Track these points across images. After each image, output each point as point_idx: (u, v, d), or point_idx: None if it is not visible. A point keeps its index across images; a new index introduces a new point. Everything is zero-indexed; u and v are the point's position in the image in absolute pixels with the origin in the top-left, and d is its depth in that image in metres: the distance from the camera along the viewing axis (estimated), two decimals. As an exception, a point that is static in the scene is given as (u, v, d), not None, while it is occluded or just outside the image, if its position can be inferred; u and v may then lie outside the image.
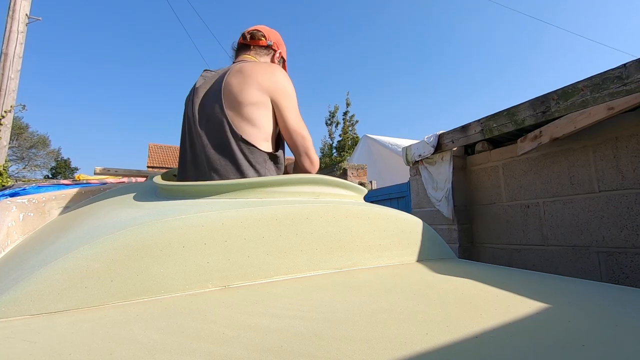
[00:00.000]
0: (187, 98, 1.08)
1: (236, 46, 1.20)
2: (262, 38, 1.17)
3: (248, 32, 1.18)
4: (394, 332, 0.38)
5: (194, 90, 1.05)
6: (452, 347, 0.35)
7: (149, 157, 19.86)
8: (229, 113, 0.96)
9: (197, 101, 1.02)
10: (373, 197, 4.11)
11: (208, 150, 0.95)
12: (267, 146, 0.98)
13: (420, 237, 0.78)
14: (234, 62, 1.13)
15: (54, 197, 1.00)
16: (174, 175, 1.10)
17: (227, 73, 1.00)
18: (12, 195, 0.96)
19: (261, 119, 0.98)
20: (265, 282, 0.55)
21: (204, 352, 0.33)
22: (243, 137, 0.94)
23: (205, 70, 1.11)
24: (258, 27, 1.20)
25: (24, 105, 4.10)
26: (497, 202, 2.38)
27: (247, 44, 1.17)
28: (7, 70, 3.89)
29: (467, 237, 2.53)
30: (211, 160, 0.94)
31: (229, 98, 0.97)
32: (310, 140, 1.04)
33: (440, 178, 2.60)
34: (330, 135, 14.31)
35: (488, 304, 0.48)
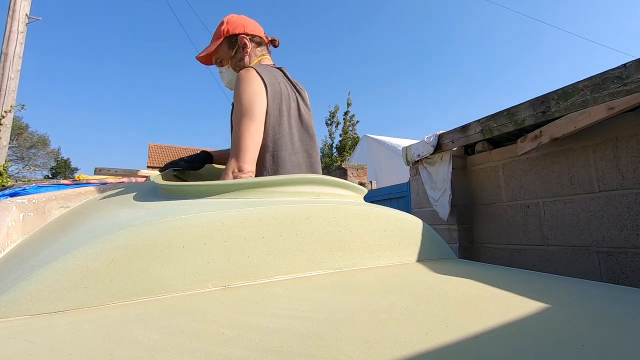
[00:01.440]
0: (287, 97, 1.02)
1: (268, 43, 1.20)
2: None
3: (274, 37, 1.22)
4: (394, 332, 0.38)
5: (302, 96, 1.10)
6: (452, 347, 0.35)
7: (149, 157, 19.83)
8: None
9: (309, 110, 1.11)
10: (373, 197, 4.12)
11: (318, 157, 1.09)
12: None
13: (420, 237, 0.78)
14: (261, 61, 1.16)
15: (54, 197, 1.00)
16: (174, 176, 1.10)
17: (305, 91, 1.15)
18: (12, 195, 0.96)
19: None
20: (265, 282, 0.55)
21: (204, 352, 0.33)
22: None
23: (277, 67, 1.12)
24: None
25: (23, 105, 4.10)
26: (497, 202, 2.38)
27: (269, 46, 1.21)
28: (7, 70, 3.89)
29: (467, 237, 2.53)
30: (320, 168, 1.08)
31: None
32: None
33: (438, 178, 2.60)
34: (330, 135, 14.32)
35: (488, 304, 0.48)
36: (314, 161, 1.06)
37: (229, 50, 1.14)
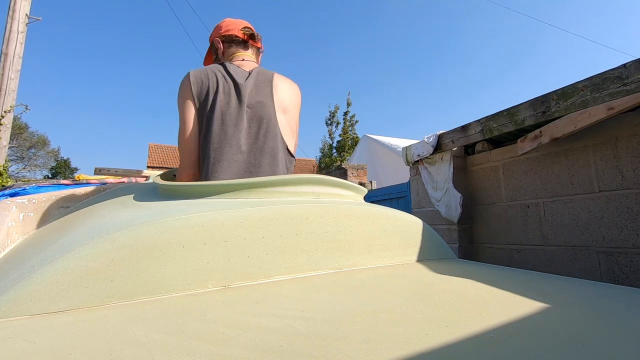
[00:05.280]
0: (213, 92, 0.98)
1: (246, 39, 1.16)
2: (259, 40, 1.20)
3: (250, 30, 1.17)
4: (394, 332, 0.38)
5: (237, 87, 1.00)
6: (452, 347, 0.35)
7: (149, 157, 19.82)
8: (280, 121, 1.02)
9: (245, 100, 0.99)
10: (373, 197, 4.11)
11: (257, 154, 0.97)
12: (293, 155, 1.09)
13: (420, 237, 0.78)
14: (232, 59, 1.13)
15: (54, 197, 1.00)
16: (174, 175, 1.10)
17: (273, 79, 1.07)
18: (12, 195, 0.96)
19: (294, 131, 1.09)
20: (265, 282, 0.55)
21: (204, 352, 0.33)
22: (287, 147, 1.03)
23: (219, 63, 1.07)
24: (248, 24, 1.20)
25: (27, 106, 4.10)
26: (497, 202, 2.38)
27: (248, 42, 1.17)
28: (7, 70, 3.89)
29: (467, 237, 2.53)
30: (261, 166, 0.97)
31: (280, 107, 1.04)
32: None
33: (439, 178, 2.60)
34: (330, 135, 14.33)
35: (488, 304, 0.48)
36: (233, 157, 0.95)
37: (213, 56, 1.21)
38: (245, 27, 1.17)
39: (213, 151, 0.93)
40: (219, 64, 1.07)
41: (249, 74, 1.05)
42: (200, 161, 0.97)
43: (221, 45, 1.15)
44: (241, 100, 0.99)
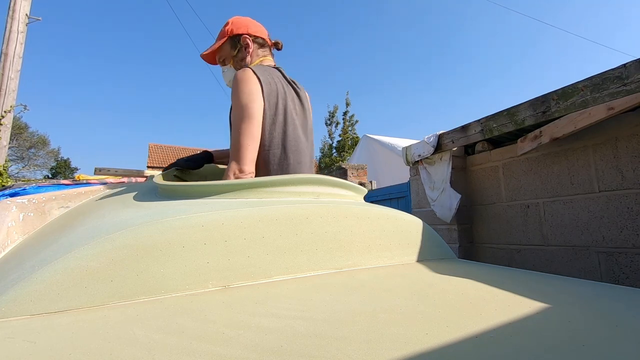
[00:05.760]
0: (283, 96, 1.00)
1: (271, 45, 1.20)
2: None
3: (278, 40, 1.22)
4: (394, 332, 0.38)
5: (298, 94, 1.08)
6: (452, 347, 0.35)
7: (149, 157, 19.82)
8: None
9: (306, 108, 1.11)
10: (373, 197, 4.11)
11: (306, 157, 1.06)
12: None
13: (420, 237, 0.78)
14: (262, 62, 1.15)
15: (54, 197, 1.00)
16: (175, 176, 1.10)
17: (304, 90, 1.15)
18: (12, 195, 0.96)
19: None
20: (266, 282, 0.55)
21: (204, 352, 0.33)
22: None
23: (275, 67, 1.11)
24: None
25: (25, 106, 4.10)
26: (497, 202, 2.38)
27: (272, 49, 1.21)
28: (7, 70, 3.89)
29: (467, 237, 2.53)
30: (312, 167, 1.07)
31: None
32: None
33: (437, 178, 2.59)
34: (330, 135, 14.33)
35: (488, 304, 0.48)
36: (306, 160, 1.04)
37: (231, 50, 1.16)
38: (268, 35, 1.20)
39: (292, 154, 0.99)
40: (274, 67, 1.09)
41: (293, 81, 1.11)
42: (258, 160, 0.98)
43: (251, 43, 1.14)
44: (304, 107, 1.07)
